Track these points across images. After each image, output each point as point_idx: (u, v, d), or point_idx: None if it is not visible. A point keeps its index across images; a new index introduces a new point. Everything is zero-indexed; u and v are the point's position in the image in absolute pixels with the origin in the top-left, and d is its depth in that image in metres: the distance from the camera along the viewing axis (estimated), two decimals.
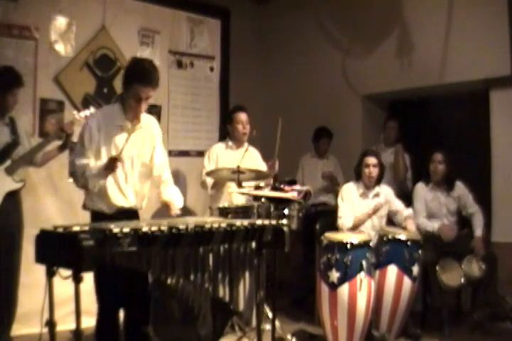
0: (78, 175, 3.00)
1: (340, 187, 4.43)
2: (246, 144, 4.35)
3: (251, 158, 4.31)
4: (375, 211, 3.99)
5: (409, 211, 4.12)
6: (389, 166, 4.63)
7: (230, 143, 4.32)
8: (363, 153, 4.22)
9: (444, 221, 4.29)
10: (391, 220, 4.22)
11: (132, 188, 3.10)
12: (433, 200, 4.31)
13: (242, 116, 4.24)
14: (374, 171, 4.08)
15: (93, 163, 2.97)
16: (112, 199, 3.02)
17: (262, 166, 4.33)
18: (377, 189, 4.15)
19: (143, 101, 2.98)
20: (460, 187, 4.32)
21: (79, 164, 2.97)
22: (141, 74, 2.94)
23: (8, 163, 3.54)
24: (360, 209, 4.10)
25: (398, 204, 4.17)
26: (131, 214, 3.08)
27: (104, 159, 2.97)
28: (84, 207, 3.12)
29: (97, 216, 3.03)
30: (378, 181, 4.15)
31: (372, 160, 4.09)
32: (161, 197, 3.24)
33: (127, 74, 3.02)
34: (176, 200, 3.22)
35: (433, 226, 4.20)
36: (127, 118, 3.05)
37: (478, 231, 4.17)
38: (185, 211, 4.96)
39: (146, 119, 3.17)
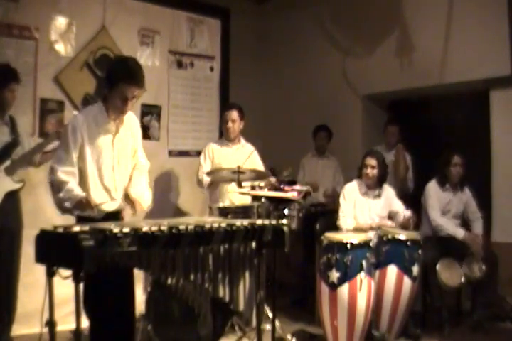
0: (55, 189, 2.84)
1: (341, 188, 4.44)
2: (242, 141, 4.39)
3: (247, 155, 4.34)
4: (378, 227, 3.99)
5: (407, 213, 4.12)
6: (390, 166, 4.62)
7: (225, 141, 4.41)
8: (365, 153, 4.25)
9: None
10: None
11: (120, 190, 3.03)
12: (444, 201, 4.33)
13: (227, 115, 4.33)
14: (371, 172, 4.09)
15: (73, 182, 2.83)
16: (102, 206, 2.93)
17: (258, 164, 4.38)
18: (379, 189, 4.16)
19: (129, 101, 2.88)
20: (467, 192, 4.37)
21: (59, 179, 2.81)
22: (128, 73, 2.83)
23: (7, 163, 3.54)
24: (361, 208, 4.12)
25: (398, 205, 4.17)
26: (116, 215, 3.02)
27: (89, 162, 2.89)
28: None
29: (83, 221, 2.83)
30: (380, 182, 4.15)
31: (371, 161, 4.11)
32: (129, 195, 3.03)
33: (112, 73, 2.91)
34: (144, 199, 3.06)
35: (458, 231, 4.15)
36: (111, 118, 2.94)
37: (478, 230, 4.21)
38: (184, 211, 5.00)
39: (127, 116, 3.05)
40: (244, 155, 4.29)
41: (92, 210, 2.81)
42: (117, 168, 3.00)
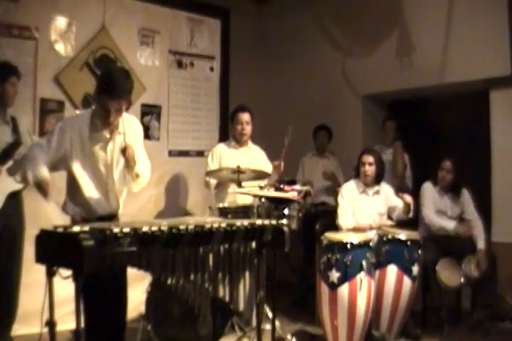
0: (24, 162, 2.87)
1: (340, 187, 4.43)
2: (250, 143, 4.36)
3: (254, 157, 4.32)
4: (378, 227, 3.99)
5: (407, 197, 4.09)
6: (388, 165, 4.63)
7: (233, 143, 4.34)
8: (361, 152, 4.25)
9: None
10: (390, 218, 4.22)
11: (115, 194, 3.03)
12: (440, 202, 4.34)
13: (242, 117, 4.25)
14: (370, 169, 4.09)
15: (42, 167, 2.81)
16: (95, 208, 2.94)
17: (267, 165, 4.34)
18: (377, 187, 4.17)
19: (112, 113, 2.84)
20: (465, 194, 4.35)
21: (33, 155, 2.82)
22: (111, 87, 2.80)
23: (10, 163, 3.53)
24: (360, 207, 4.12)
25: (397, 201, 4.16)
26: (112, 218, 3.01)
27: (79, 170, 2.89)
28: (65, 211, 3.00)
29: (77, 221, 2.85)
30: (378, 179, 4.16)
31: (368, 158, 4.11)
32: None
33: (98, 84, 2.91)
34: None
35: (448, 225, 4.19)
36: (103, 127, 2.92)
37: (481, 243, 4.14)
38: (184, 211, 5.00)
39: (128, 121, 3.01)
40: (251, 157, 4.26)
41: (45, 198, 2.76)
42: (111, 175, 2.98)
